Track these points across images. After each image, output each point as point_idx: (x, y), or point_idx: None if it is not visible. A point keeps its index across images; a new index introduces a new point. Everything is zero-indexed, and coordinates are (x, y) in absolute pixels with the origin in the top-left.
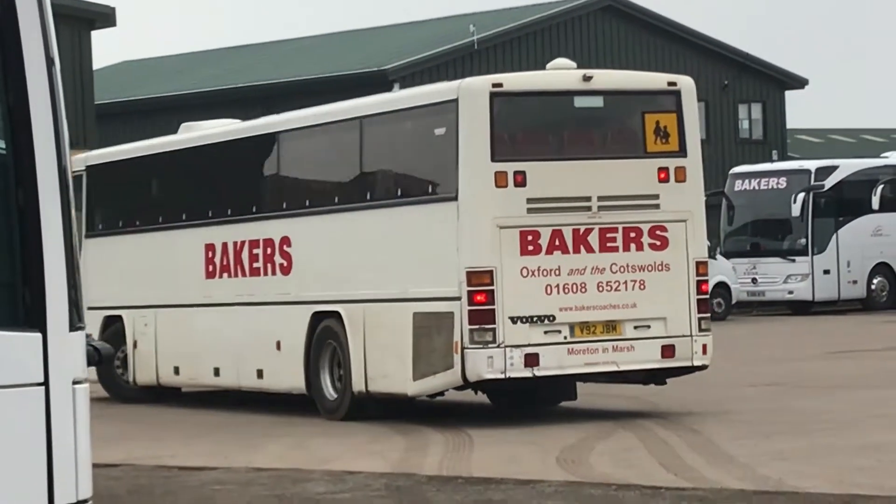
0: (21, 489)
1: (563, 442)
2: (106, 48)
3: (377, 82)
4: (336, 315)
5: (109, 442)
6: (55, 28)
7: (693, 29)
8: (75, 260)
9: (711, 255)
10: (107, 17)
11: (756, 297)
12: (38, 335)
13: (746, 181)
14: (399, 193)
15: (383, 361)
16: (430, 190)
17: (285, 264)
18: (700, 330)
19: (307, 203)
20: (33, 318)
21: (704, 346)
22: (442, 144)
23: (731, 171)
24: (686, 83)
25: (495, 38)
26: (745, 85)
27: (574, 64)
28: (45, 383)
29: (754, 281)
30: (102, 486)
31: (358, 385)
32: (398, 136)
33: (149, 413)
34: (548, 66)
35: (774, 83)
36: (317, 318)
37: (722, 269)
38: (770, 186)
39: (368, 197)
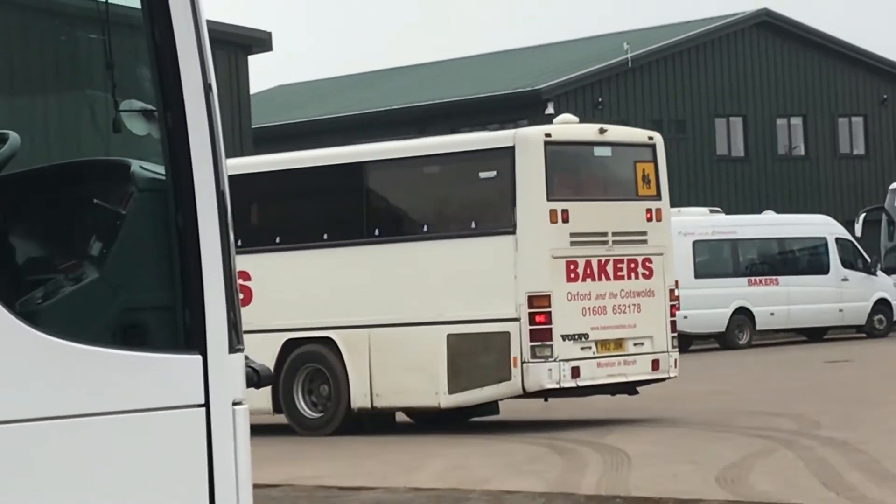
0: None
1: (723, 461)
2: (262, 72)
3: (531, 102)
4: (320, 340)
5: (270, 462)
6: (213, 53)
7: (850, 43)
8: (234, 282)
9: (872, 272)
10: (263, 42)
11: None
12: (199, 357)
13: None
14: (454, 228)
15: (397, 379)
16: (486, 225)
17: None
18: (672, 347)
19: (324, 237)
20: (193, 341)
21: (675, 361)
22: (498, 185)
23: (891, 187)
24: (658, 138)
25: (649, 56)
26: None
27: (577, 119)
28: (206, 405)
29: None
30: None
31: (359, 402)
32: (459, 176)
33: (309, 434)
34: (554, 121)
35: None
36: (290, 344)
37: (883, 286)
38: None
39: (421, 230)
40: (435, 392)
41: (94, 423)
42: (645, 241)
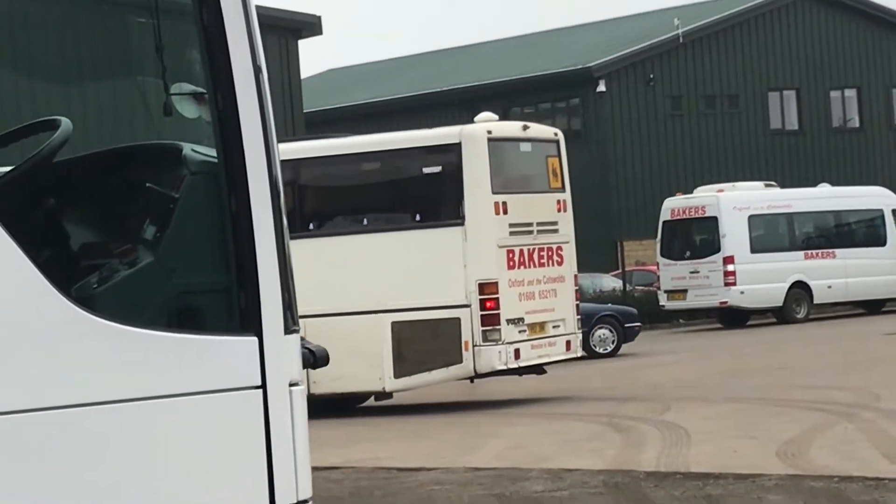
0: (243, 490)
1: (783, 436)
2: (312, 57)
3: (582, 80)
4: None
5: (331, 445)
6: (263, 38)
7: None
8: (288, 264)
9: None
10: (313, 27)
11: None
12: (255, 339)
13: None
14: (399, 221)
15: (336, 366)
16: (433, 217)
17: None
18: (578, 328)
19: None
20: (249, 323)
21: (580, 341)
22: (445, 179)
23: None
24: (561, 134)
25: (700, 31)
26: None
27: (496, 116)
28: (263, 386)
29: None
30: (323, 488)
31: None
32: (405, 171)
33: (370, 416)
34: (476, 118)
35: None
36: None
37: None
38: None
39: (363, 224)
40: (379, 377)
41: (152, 407)
42: (557, 231)
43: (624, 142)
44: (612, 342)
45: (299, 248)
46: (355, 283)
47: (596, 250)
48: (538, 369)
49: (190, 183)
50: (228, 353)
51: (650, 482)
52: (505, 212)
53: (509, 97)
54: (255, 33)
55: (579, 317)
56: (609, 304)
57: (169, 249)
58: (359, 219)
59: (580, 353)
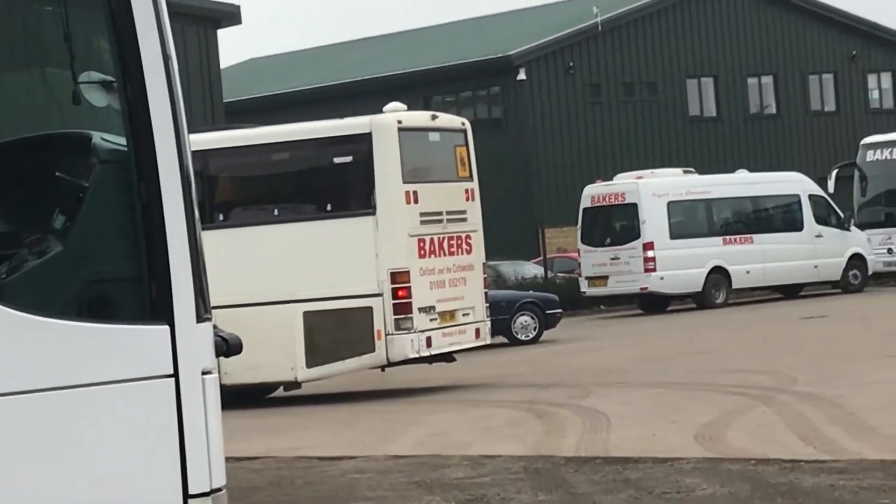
0: (156, 478)
1: (701, 419)
2: (232, 46)
3: (502, 68)
4: None
5: (251, 434)
6: (183, 28)
7: (819, 1)
8: (200, 252)
9: (846, 227)
10: (232, 16)
11: (892, 268)
12: (166, 328)
13: (879, 151)
14: (310, 211)
15: (248, 357)
16: (344, 207)
17: None
18: (487, 316)
19: None
20: (161, 312)
21: (489, 329)
22: (355, 169)
23: (862, 142)
24: (468, 124)
25: (618, 19)
26: (874, 55)
27: (405, 106)
28: (175, 375)
29: (890, 251)
30: (244, 478)
31: None
32: (316, 161)
33: (290, 406)
34: (384, 108)
35: None
36: None
37: (857, 241)
38: None
39: (273, 214)
40: (290, 367)
41: (64, 396)
42: (465, 220)
43: (544, 129)
44: (534, 329)
45: (211, 239)
46: (267, 274)
47: (517, 237)
48: (448, 357)
49: (99, 171)
50: (140, 342)
51: (570, 467)
52: (415, 201)
53: (430, 86)
54: (165, 21)
55: (488, 304)
56: (531, 291)
57: (79, 239)
58: (270, 209)
59: (489, 341)
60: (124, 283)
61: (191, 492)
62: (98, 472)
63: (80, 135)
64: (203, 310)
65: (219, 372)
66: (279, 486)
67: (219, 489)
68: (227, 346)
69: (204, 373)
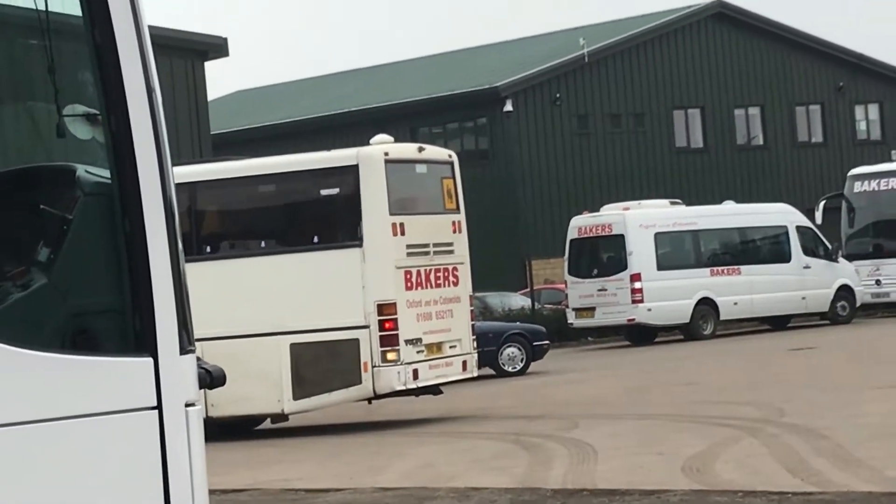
0: None
1: (689, 451)
2: (220, 78)
3: (489, 100)
4: None
5: (237, 467)
6: (170, 60)
7: (805, 32)
8: (183, 284)
9: (833, 259)
10: (219, 48)
11: (880, 299)
12: (150, 360)
13: (866, 182)
14: (296, 242)
15: (235, 389)
16: (331, 238)
17: None
18: (474, 348)
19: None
20: (144, 343)
21: (476, 361)
22: (342, 201)
23: (849, 173)
24: (455, 156)
25: (605, 51)
26: (861, 86)
27: (391, 138)
28: (159, 406)
29: (878, 283)
30: None
31: None
32: (302, 193)
33: (277, 438)
34: (371, 140)
35: (892, 83)
36: None
37: (845, 272)
38: (891, 187)
39: (260, 246)
40: (277, 399)
41: (46, 429)
42: (452, 252)
43: (531, 161)
44: (521, 360)
45: (197, 271)
46: (253, 306)
47: (504, 269)
48: (435, 390)
49: (83, 204)
50: (123, 373)
51: (557, 499)
52: (402, 233)
53: (417, 117)
54: (148, 53)
55: (474, 337)
56: (518, 323)
57: (62, 271)
58: (257, 241)
59: (476, 373)
60: (108, 315)
61: None
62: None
63: (64, 167)
64: (187, 341)
65: (204, 404)
66: None
67: None
68: (211, 378)
69: (187, 405)
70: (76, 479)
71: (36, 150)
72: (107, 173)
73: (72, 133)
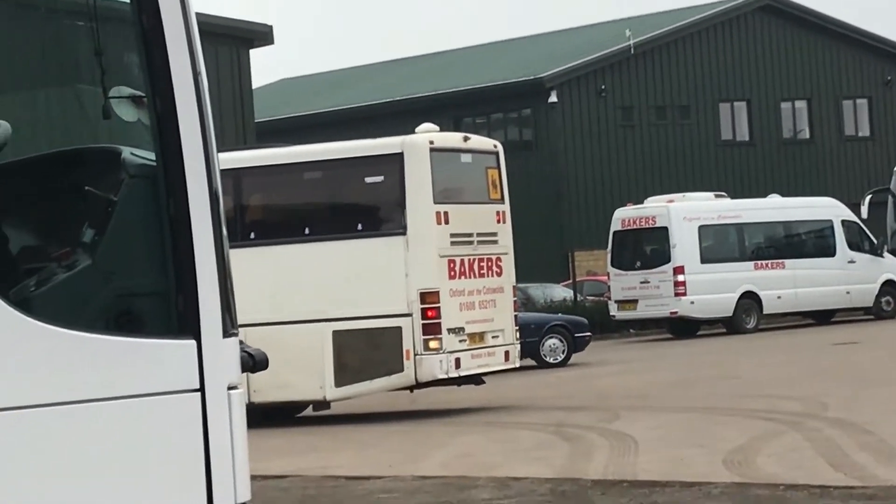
0: (181, 492)
1: (730, 444)
2: (265, 66)
3: (534, 91)
4: None
5: (278, 454)
6: (215, 48)
7: (853, 25)
8: (227, 267)
9: (879, 254)
10: (265, 36)
11: None
12: (193, 342)
13: None
14: (340, 230)
15: (278, 375)
16: (374, 226)
17: None
18: (516, 339)
19: None
20: (187, 326)
21: (518, 352)
22: (386, 189)
23: None
24: (500, 146)
25: (651, 42)
26: None
27: (437, 127)
28: (201, 389)
29: None
30: (271, 496)
31: None
32: (347, 181)
33: (319, 426)
34: (417, 129)
35: None
36: None
37: (889, 267)
38: None
39: (304, 233)
40: (319, 386)
41: (90, 410)
42: (496, 242)
43: (575, 152)
44: (563, 352)
45: (241, 257)
46: (297, 292)
47: (547, 260)
48: (476, 380)
49: (128, 186)
50: (167, 356)
51: (597, 490)
52: (446, 222)
53: (461, 107)
54: (195, 37)
55: (517, 328)
56: (559, 314)
57: (107, 253)
58: (301, 228)
59: (518, 364)
60: (151, 297)
61: None
62: (122, 485)
63: (110, 149)
64: (230, 325)
65: (246, 389)
66: None
67: None
68: (254, 362)
69: (230, 388)
70: (119, 460)
71: (82, 131)
72: (152, 156)
73: (118, 115)
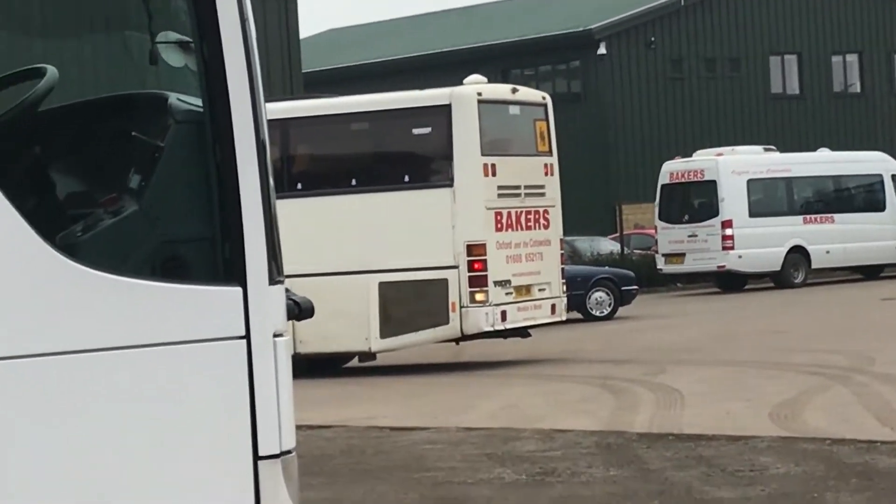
0: (226, 438)
1: (777, 398)
2: (312, 16)
3: (583, 43)
4: None
5: (323, 404)
6: None
7: None
8: (273, 214)
9: None
10: None
11: None
12: (239, 289)
13: None
14: (387, 182)
15: (324, 326)
16: (421, 178)
17: None
18: (563, 292)
19: None
20: (233, 273)
21: (565, 305)
22: (433, 141)
23: None
24: (549, 98)
25: None
26: None
27: (485, 78)
28: (247, 336)
29: None
30: (315, 446)
31: None
32: (394, 132)
33: (364, 377)
34: (465, 81)
35: None
36: None
37: None
38: None
39: (351, 184)
40: (365, 337)
41: (135, 356)
42: (543, 194)
43: (624, 105)
44: (609, 305)
45: (287, 208)
46: (343, 244)
47: (594, 213)
48: (523, 332)
49: (175, 132)
50: (212, 302)
51: (642, 443)
52: (493, 174)
53: (509, 59)
54: None
55: (564, 280)
56: (606, 268)
57: (153, 198)
58: (347, 179)
59: (564, 317)
60: (198, 243)
61: (261, 453)
62: (167, 431)
63: (157, 95)
64: (276, 272)
65: (292, 340)
66: (350, 454)
67: (288, 451)
68: (300, 310)
69: (276, 335)
70: (166, 405)
71: (129, 77)
72: (199, 101)
73: (164, 60)
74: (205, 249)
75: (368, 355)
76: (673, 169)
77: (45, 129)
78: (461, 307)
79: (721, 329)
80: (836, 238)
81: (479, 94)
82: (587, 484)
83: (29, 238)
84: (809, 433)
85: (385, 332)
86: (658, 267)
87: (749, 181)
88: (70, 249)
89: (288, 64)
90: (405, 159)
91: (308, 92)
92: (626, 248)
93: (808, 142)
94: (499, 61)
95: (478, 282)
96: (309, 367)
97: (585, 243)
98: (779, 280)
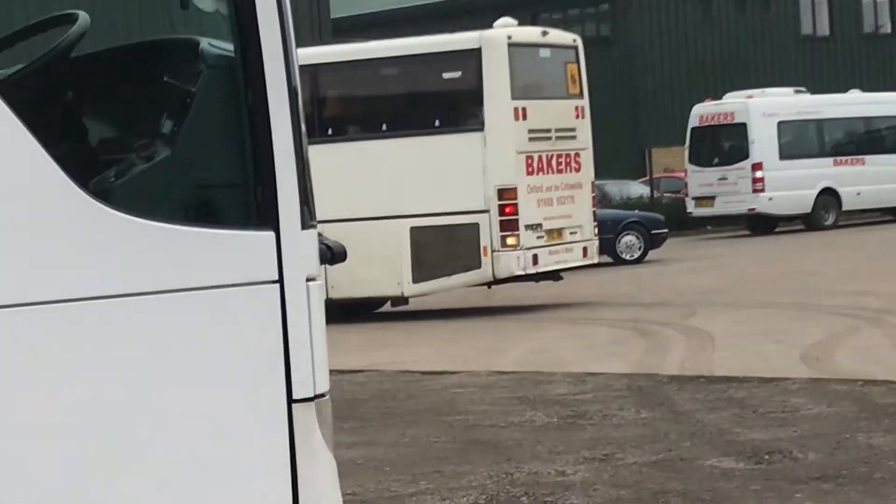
0: (260, 382)
1: (808, 340)
2: None
3: None
4: None
5: (354, 349)
6: None
7: None
8: (305, 159)
9: None
10: None
11: None
12: (272, 233)
13: None
14: (417, 126)
15: (356, 271)
16: (452, 122)
17: None
18: (595, 235)
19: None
20: (266, 217)
21: (596, 248)
22: (464, 85)
23: None
24: (579, 40)
25: None
26: None
27: (515, 21)
28: (280, 280)
29: None
30: (347, 390)
31: None
32: (424, 77)
33: (395, 322)
34: (495, 24)
35: None
36: None
37: None
38: None
39: (381, 129)
40: (397, 282)
41: (168, 300)
42: (575, 138)
43: (653, 48)
44: (639, 248)
45: (319, 154)
46: (374, 189)
47: (624, 157)
48: (555, 276)
49: (207, 77)
50: (245, 247)
51: (673, 385)
52: (524, 117)
53: (538, 3)
54: None
55: (596, 223)
56: (636, 211)
57: (186, 143)
58: (378, 124)
59: (596, 260)
60: (230, 188)
61: (295, 396)
62: (202, 374)
63: (188, 40)
64: (308, 217)
65: (325, 280)
66: (382, 398)
67: (322, 395)
68: (332, 254)
69: (308, 279)
70: (199, 349)
71: (160, 22)
72: (230, 46)
73: (195, 5)
74: (237, 194)
75: (401, 300)
76: (703, 112)
77: (78, 76)
78: (493, 251)
79: (751, 272)
80: (867, 180)
81: (510, 37)
82: (618, 426)
83: (63, 183)
84: (841, 374)
85: (417, 276)
86: (688, 210)
87: (779, 123)
88: (104, 195)
89: (317, 10)
90: (435, 104)
91: (337, 39)
92: (655, 192)
93: (838, 83)
94: (528, 5)
95: (509, 226)
96: (341, 312)
97: (615, 187)
98: (809, 222)
